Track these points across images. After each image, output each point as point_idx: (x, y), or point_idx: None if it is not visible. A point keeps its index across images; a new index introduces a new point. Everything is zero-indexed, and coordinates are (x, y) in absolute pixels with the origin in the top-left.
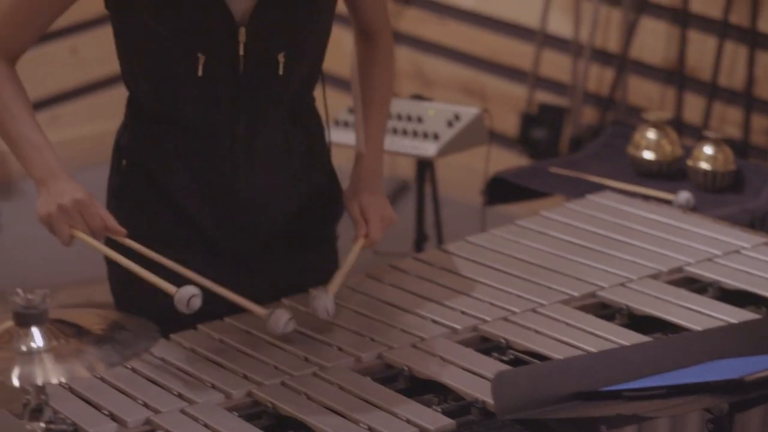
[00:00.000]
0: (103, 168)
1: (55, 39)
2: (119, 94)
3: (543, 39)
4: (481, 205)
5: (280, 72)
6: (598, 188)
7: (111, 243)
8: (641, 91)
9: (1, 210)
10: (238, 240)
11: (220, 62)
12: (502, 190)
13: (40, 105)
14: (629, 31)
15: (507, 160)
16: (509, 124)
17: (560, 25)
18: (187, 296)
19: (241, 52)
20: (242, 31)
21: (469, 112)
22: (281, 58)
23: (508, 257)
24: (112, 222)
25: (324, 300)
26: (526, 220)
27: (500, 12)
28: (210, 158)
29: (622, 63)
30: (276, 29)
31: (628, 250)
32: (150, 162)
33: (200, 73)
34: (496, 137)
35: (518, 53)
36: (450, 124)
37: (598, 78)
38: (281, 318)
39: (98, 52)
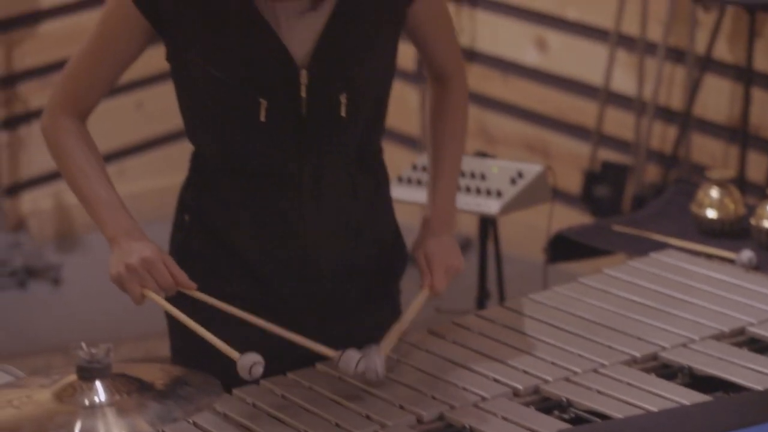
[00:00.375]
0: (168, 222)
1: (121, 94)
2: (184, 148)
3: (606, 96)
4: (543, 262)
5: (343, 113)
6: (661, 246)
7: (180, 302)
8: (704, 148)
9: (63, 264)
10: (299, 292)
11: (283, 106)
12: (564, 248)
13: (106, 159)
14: (693, 88)
15: (570, 218)
16: (572, 181)
17: (624, 82)
18: (249, 364)
19: (303, 95)
20: (303, 73)
21: (532, 169)
22: (343, 99)
23: (571, 315)
24: (182, 278)
25: (374, 360)
26: (588, 278)
27: (564, 69)
28: (275, 207)
29: (686, 121)
30: (336, 70)
31: (691, 309)
32: (213, 215)
33: (263, 118)
34: (558, 195)
35: (582, 111)
36: (513, 181)
37: (662, 136)
38: (352, 358)
39: (163, 106)
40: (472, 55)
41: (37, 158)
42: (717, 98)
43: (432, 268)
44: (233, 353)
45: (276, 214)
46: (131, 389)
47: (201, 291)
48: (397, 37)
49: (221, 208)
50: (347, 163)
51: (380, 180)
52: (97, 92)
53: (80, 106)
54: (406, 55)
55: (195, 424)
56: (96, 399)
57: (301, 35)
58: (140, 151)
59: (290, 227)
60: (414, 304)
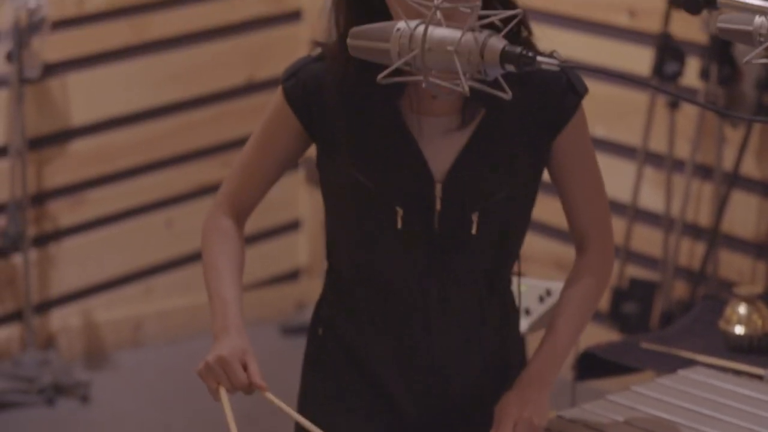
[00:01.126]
0: (197, 339)
1: (150, 211)
2: None
3: (634, 213)
4: (571, 380)
5: (473, 231)
6: (689, 363)
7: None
8: (732, 265)
9: (92, 381)
10: (422, 407)
11: (417, 217)
12: (592, 365)
13: (135, 277)
14: (720, 205)
15: (597, 335)
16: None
17: (652, 199)
18: None
19: (438, 208)
20: (439, 187)
21: (559, 287)
22: (474, 217)
23: None
24: (255, 378)
25: None
26: (616, 395)
27: None
28: (403, 322)
29: (713, 237)
30: (470, 188)
31: (720, 426)
32: (344, 329)
33: (399, 226)
34: None
35: None
36: (541, 299)
37: (689, 252)
38: None
39: (193, 224)
40: None
41: (67, 276)
42: (745, 214)
43: (500, 420)
44: None
45: (404, 329)
46: None
47: (331, 402)
48: (538, 170)
49: (352, 322)
50: (476, 287)
51: (509, 310)
52: (255, 192)
53: (239, 205)
54: None
55: None
56: None
57: (441, 151)
58: (169, 269)
59: (418, 344)
60: None
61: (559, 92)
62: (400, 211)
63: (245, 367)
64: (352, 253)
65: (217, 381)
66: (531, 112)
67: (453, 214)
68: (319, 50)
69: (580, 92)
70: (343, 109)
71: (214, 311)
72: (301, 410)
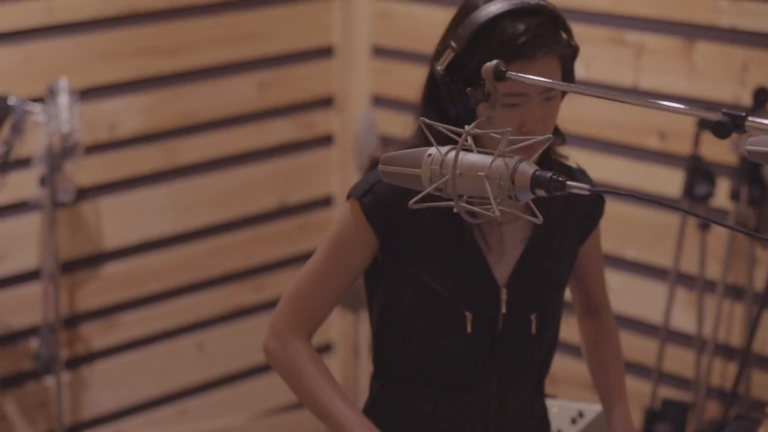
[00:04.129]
0: None
1: (182, 335)
2: (244, 390)
3: (666, 334)
4: None
5: (533, 331)
6: None
7: None
8: (765, 384)
9: None
10: None
11: (484, 321)
12: None
13: (167, 399)
14: (752, 325)
15: None
16: (633, 419)
17: (683, 320)
18: None
19: (504, 311)
20: (504, 291)
21: (592, 409)
22: (533, 318)
23: None
24: None
25: None
26: None
27: (624, 308)
28: (463, 419)
29: (746, 357)
30: (531, 291)
31: None
32: (401, 428)
33: (469, 330)
34: None
35: (642, 349)
36: (574, 421)
37: (722, 372)
38: None
39: (224, 347)
40: None
41: (99, 398)
42: None
43: None
44: None
45: (463, 427)
46: None
47: None
48: (572, 269)
49: (409, 419)
50: (530, 384)
51: (544, 405)
52: (326, 310)
53: (309, 325)
54: None
55: None
56: None
57: (502, 258)
58: (201, 392)
59: None
60: None
61: (592, 199)
62: (469, 316)
63: None
64: (416, 358)
65: None
66: (572, 217)
67: (516, 316)
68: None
69: (603, 197)
70: (416, 222)
71: (349, 428)
72: None
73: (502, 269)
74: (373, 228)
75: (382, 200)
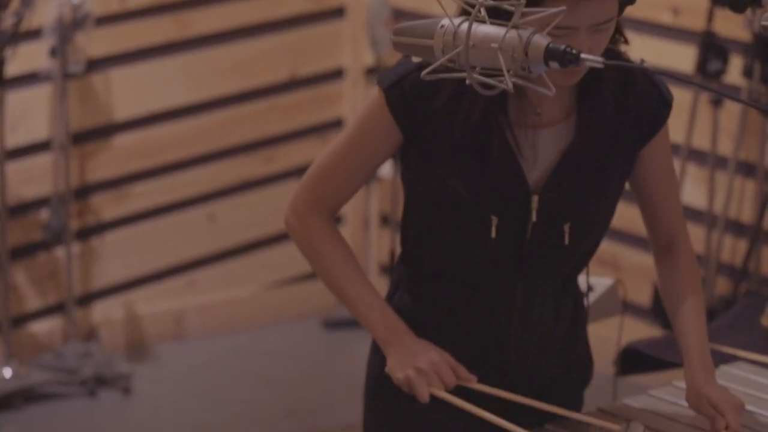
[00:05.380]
0: (238, 333)
1: (193, 206)
2: (255, 261)
3: None
4: (613, 375)
5: (566, 242)
6: (731, 359)
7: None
8: None
9: (133, 374)
10: (493, 402)
11: (511, 227)
12: (634, 361)
13: (177, 270)
14: (763, 201)
15: (640, 331)
16: (643, 294)
17: (694, 196)
18: None
19: (534, 219)
20: (535, 198)
21: (602, 282)
22: (566, 228)
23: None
24: (462, 372)
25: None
26: (658, 390)
27: None
28: (484, 320)
29: (756, 234)
30: (566, 200)
31: (761, 421)
32: (419, 319)
33: (494, 234)
34: (629, 307)
35: None
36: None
37: (732, 249)
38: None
39: (235, 218)
40: None
41: (109, 269)
42: None
43: (723, 411)
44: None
45: (484, 327)
46: None
47: (402, 391)
48: (624, 180)
49: (430, 312)
50: (557, 288)
51: (579, 302)
52: (345, 195)
53: (329, 207)
54: None
55: None
56: None
57: (539, 163)
58: (211, 263)
59: (495, 341)
60: None
61: (652, 104)
62: (494, 220)
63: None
64: (439, 254)
65: (429, 383)
66: (625, 124)
67: (546, 225)
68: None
69: (669, 102)
70: (444, 120)
71: (369, 317)
72: (374, 397)
73: (535, 175)
74: (397, 122)
75: (409, 95)
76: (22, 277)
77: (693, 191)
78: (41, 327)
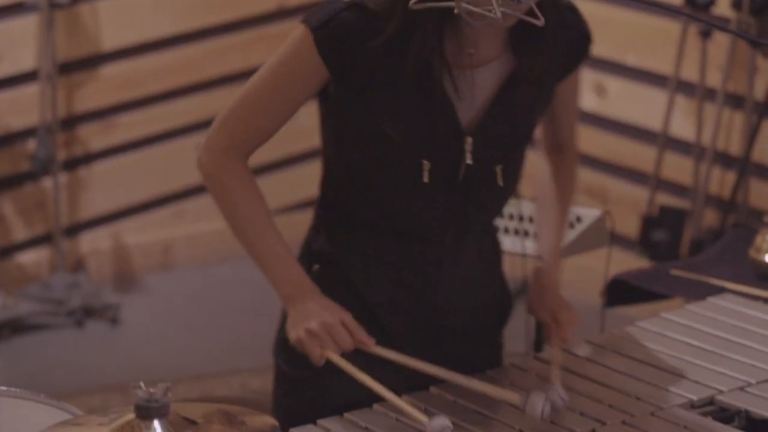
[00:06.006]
0: (226, 263)
1: (181, 136)
2: None
3: (665, 142)
4: (600, 306)
5: (500, 183)
6: (719, 291)
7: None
8: (762, 193)
9: (121, 304)
10: (420, 346)
11: (444, 170)
12: (622, 292)
13: (165, 200)
14: (751, 133)
15: (627, 262)
16: (630, 226)
17: (683, 128)
18: (439, 428)
19: (468, 161)
20: (469, 140)
21: (590, 214)
22: (498, 169)
23: (626, 358)
24: (361, 336)
25: (556, 391)
26: (645, 322)
27: (623, 115)
28: (414, 265)
29: (744, 166)
30: (499, 140)
31: (748, 353)
32: (346, 266)
33: (426, 179)
34: (616, 239)
35: (640, 156)
36: (571, 225)
37: (720, 181)
38: (538, 401)
39: None
40: None
41: (96, 199)
42: None
43: (560, 321)
44: (421, 416)
45: (414, 271)
46: (188, 428)
47: None
48: (543, 114)
49: (357, 260)
50: (485, 229)
51: (494, 238)
52: (263, 137)
53: (245, 148)
54: None
55: None
56: None
57: (472, 104)
58: (198, 193)
59: (426, 286)
60: (555, 356)
61: (578, 39)
62: (427, 165)
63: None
64: (367, 201)
65: (321, 346)
66: (554, 59)
67: (480, 167)
68: None
69: (591, 36)
70: (377, 62)
71: (274, 271)
72: (277, 356)
73: (469, 116)
74: (326, 63)
75: (337, 38)
76: (9, 207)
77: (681, 123)
78: (29, 258)
